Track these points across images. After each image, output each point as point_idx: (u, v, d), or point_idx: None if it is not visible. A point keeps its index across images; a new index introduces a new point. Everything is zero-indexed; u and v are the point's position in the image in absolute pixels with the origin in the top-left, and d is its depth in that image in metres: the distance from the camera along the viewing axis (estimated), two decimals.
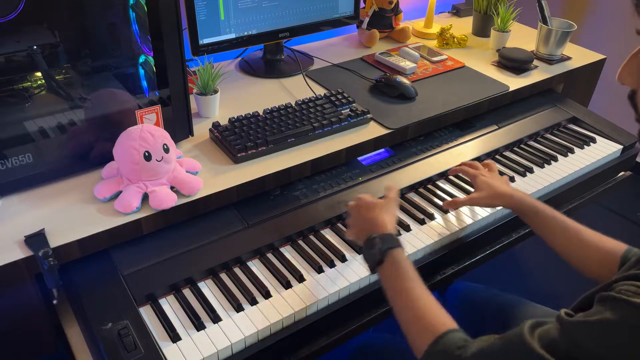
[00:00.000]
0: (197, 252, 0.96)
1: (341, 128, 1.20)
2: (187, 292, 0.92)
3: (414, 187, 1.20)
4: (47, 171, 0.98)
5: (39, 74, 0.95)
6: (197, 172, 1.04)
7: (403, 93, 1.33)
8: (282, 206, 1.08)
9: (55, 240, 0.87)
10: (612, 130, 1.44)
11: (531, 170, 1.28)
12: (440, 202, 1.15)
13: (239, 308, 0.89)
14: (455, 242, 1.09)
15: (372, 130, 1.22)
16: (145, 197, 0.95)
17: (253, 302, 0.90)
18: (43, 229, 0.88)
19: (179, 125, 1.10)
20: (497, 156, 1.34)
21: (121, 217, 0.93)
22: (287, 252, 1.01)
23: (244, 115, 1.18)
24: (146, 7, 0.95)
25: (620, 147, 1.39)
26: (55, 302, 0.89)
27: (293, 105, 1.24)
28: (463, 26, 1.83)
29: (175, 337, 0.84)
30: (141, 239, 0.96)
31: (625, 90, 0.67)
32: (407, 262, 0.83)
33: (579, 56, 1.62)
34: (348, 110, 1.24)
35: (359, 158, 1.23)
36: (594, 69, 1.63)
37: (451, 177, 1.24)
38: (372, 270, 0.87)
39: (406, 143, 1.30)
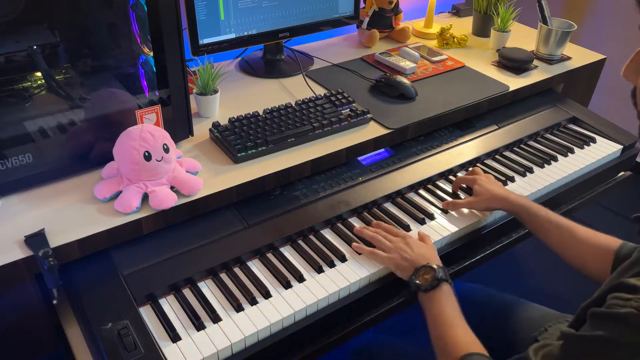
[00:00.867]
0: (197, 252, 0.96)
1: (341, 128, 1.20)
2: (187, 292, 0.92)
3: (414, 187, 1.20)
4: (47, 171, 0.98)
5: (39, 74, 0.95)
6: (197, 172, 1.04)
7: (403, 93, 1.33)
8: (282, 206, 1.08)
9: (55, 240, 0.87)
10: (612, 130, 1.44)
11: (531, 170, 1.28)
12: (440, 202, 1.16)
13: (239, 308, 0.89)
14: (455, 242, 1.09)
15: (372, 130, 1.22)
16: (145, 197, 0.95)
17: (253, 302, 0.90)
18: (43, 229, 0.88)
19: (179, 125, 1.10)
20: (497, 156, 1.34)
21: (121, 217, 0.93)
22: (287, 252, 1.01)
23: (244, 115, 1.18)
24: (146, 7, 0.95)
25: (620, 147, 1.39)
26: (55, 302, 0.89)
27: (293, 105, 1.24)
28: (463, 26, 1.83)
29: (175, 337, 0.84)
30: (141, 239, 0.96)
31: (625, 91, 0.67)
32: (454, 297, 0.90)
33: (579, 56, 1.62)
34: (348, 110, 1.24)
35: (359, 158, 1.23)
36: (594, 69, 1.63)
37: (451, 178, 1.24)
38: (418, 292, 0.91)
39: (406, 143, 1.30)
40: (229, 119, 1.17)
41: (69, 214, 0.93)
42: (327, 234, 1.06)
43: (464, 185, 1.19)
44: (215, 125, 1.15)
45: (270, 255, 1.00)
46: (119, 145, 0.95)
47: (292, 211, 1.07)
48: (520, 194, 1.19)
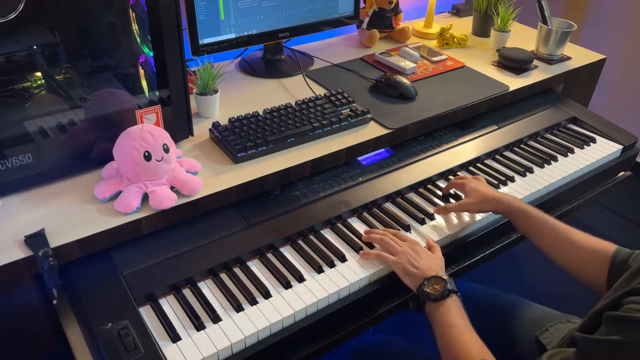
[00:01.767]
0: (197, 252, 0.96)
1: (341, 128, 1.20)
2: (187, 292, 0.92)
3: (414, 187, 1.20)
4: (47, 171, 0.98)
5: (39, 74, 0.95)
6: (197, 172, 1.04)
7: (403, 93, 1.33)
8: (282, 206, 1.08)
9: (55, 240, 0.87)
10: (612, 130, 1.44)
11: (531, 170, 1.28)
12: (440, 202, 1.15)
13: (239, 308, 0.89)
14: (455, 242, 1.09)
15: (372, 130, 1.22)
16: (145, 197, 0.95)
17: (253, 302, 0.90)
18: (43, 229, 0.88)
19: (179, 125, 1.10)
20: (497, 156, 1.34)
21: (121, 217, 0.93)
22: (287, 252, 1.01)
23: (244, 115, 1.18)
24: (146, 7, 0.95)
25: (620, 147, 1.39)
26: (55, 302, 0.89)
27: (293, 105, 1.24)
28: (463, 26, 1.83)
29: (175, 337, 0.84)
30: (141, 239, 0.96)
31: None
32: (463, 308, 0.89)
33: (579, 56, 1.62)
34: (348, 110, 1.24)
35: (359, 158, 1.23)
36: (594, 69, 1.63)
37: (451, 178, 1.24)
38: (426, 302, 0.90)
39: (406, 143, 1.30)
40: (229, 119, 1.17)
41: (69, 214, 0.93)
42: (327, 234, 1.06)
43: (453, 192, 1.18)
44: (215, 125, 1.15)
45: (270, 255, 1.00)
46: (119, 145, 0.95)
47: (292, 211, 1.07)
48: (520, 194, 1.20)
